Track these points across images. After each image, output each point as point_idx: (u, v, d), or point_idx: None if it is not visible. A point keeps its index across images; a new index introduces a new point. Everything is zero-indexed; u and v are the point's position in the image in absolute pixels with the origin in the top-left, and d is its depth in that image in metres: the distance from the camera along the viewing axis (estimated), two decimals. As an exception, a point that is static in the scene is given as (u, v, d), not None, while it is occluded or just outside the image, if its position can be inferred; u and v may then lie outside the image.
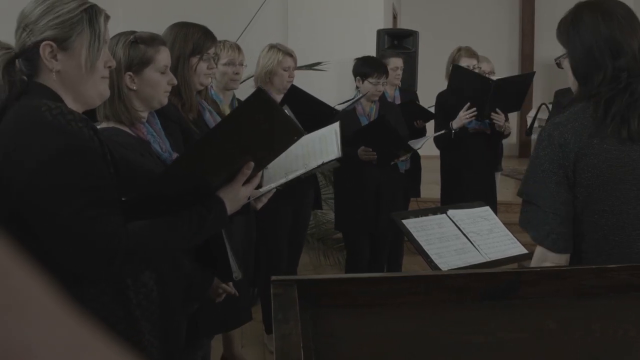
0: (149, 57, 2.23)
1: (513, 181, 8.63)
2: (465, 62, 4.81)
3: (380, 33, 6.94)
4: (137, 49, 2.22)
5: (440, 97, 4.88)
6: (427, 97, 5.33)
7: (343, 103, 4.41)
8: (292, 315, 1.46)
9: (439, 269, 2.58)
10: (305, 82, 4.67)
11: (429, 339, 1.57)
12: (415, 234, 2.73)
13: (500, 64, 10.28)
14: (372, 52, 6.38)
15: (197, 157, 1.65)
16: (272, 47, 4.08)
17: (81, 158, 1.56)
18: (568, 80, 2.21)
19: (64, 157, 1.53)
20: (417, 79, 7.05)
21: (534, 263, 2.10)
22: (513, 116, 9.61)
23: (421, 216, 2.83)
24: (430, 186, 6.18)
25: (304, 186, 4.14)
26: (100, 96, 1.77)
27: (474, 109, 4.53)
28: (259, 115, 1.64)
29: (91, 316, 1.52)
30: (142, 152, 2.14)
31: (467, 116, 4.55)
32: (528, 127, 5.51)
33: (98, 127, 2.23)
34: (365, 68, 4.37)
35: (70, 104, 1.68)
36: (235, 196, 1.78)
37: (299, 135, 1.76)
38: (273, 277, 1.67)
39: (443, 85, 4.96)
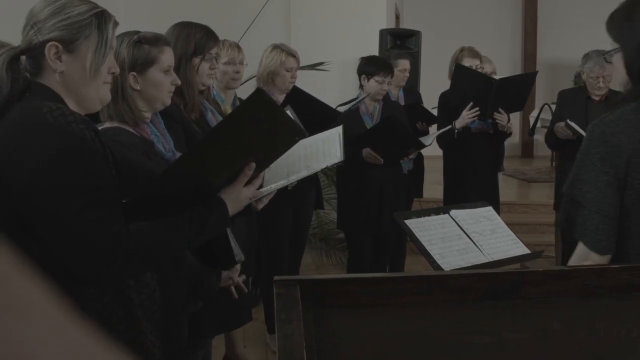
0: (153, 58, 2.22)
1: (516, 181, 8.63)
2: (467, 62, 4.80)
3: (382, 33, 6.94)
4: (141, 49, 2.21)
5: (443, 97, 4.88)
6: (429, 97, 5.33)
7: (345, 104, 4.41)
8: (295, 315, 1.46)
9: (441, 269, 2.58)
10: (307, 82, 4.67)
11: (432, 339, 1.57)
12: (417, 234, 2.73)
13: (503, 64, 10.28)
14: (374, 52, 6.37)
15: (197, 157, 1.64)
16: (275, 47, 4.08)
17: (82, 159, 1.56)
18: (616, 77, 2.15)
19: (64, 158, 1.53)
20: (420, 79, 7.05)
21: (574, 261, 2.08)
22: (515, 116, 9.64)
23: (424, 216, 2.83)
24: (433, 186, 6.17)
25: (305, 186, 4.14)
26: (101, 101, 1.77)
27: (477, 108, 4.52)
28: (259, 115, 1.63)
29: (92, 316, 1.52)
30: (147, 151, 2.14)
31: (470, 116, 4.54)
32: (530, 127, 5.52)
33: (102, 126, 2.23)
34: (371, 67, 4.37)
35: (72, 105, 1.68)
36: (237, 197, 1.77)
37: (301, 135, 1.75)
38: (275, 277, 1.67)
39: (445, 85, 4.96)
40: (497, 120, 4.64)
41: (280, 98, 4.02)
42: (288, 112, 2.37)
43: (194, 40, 2.83)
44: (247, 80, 3.82)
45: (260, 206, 2.50)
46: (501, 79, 4.54)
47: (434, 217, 2.84)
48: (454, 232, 2.80)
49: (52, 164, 1.52)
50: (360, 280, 1.71)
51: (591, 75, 4.43)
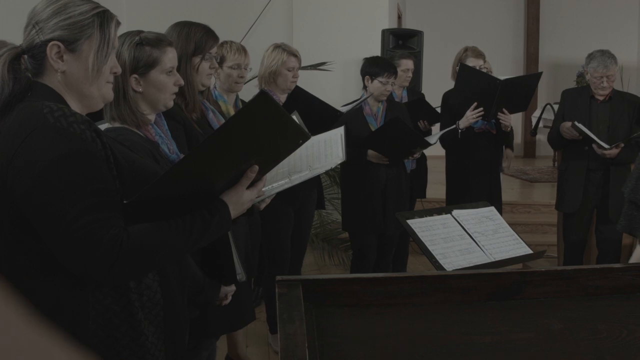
0: (155, 59, 2.20)
1: (518, 181, 8.62)
2: (471, 63, 4.80)
3: (385, 33, 6.94)
4: (143, 50, 2.19)
5: (446, 96, 4.88)
6: (431, 97, 5.33)
7: (348, 104, 4.40)
8: (297, 315, 1.47)
9: (443, 269, 2.58)
10: (309, 82, 4.68)
11: (434, 338, 1.57)
12: (420, 234, 2.73)
13: (505, 64, 10.29)
14: (376, 52, 6.37)
15: (199, 158, 1.63)
16: (276, 47, 4.08)
17: (82, 162, 1.55)
18: None
19: (65, 161, 1.52)
20: (422, 79, 7.06)
21: (634, 260, 2.09)
22: (518, 116, 9.65)
23: (426, 216, 2.83)
24: (436, 186, 6.18)
25: (307, 186, 4.13)
26: (104, 99, 1.76)
27: (481, 108, 4.52)
28: (262, 117, 1.61)
29: (93, 318, 1.52)
30: (152, 151, 2.13)
31: (474, 116, 4.54)
32: (533, 127, 5.50)
33: (107, 126, 2.23)
34: (375, 67, 4.36)
35: (73, 104, 1.68)
36: (239, 200, 1.76)
37: (305, 138, 1.73)
38: (278, 277, 1.68)
39: (448, 85, 4.96)
40: (500, 121, 4.64)
41: (282, 98, 4.02)
42: (294, 116, 2.35)
43: (194, 39, 2.81)
44: (249, 81, 3.81)
45: (263, 206, 2.50)
46: (505, 80, 4.53)
47: (436, 217, 2.84)
48: (456, 232, 2.80)
49: (52, 167, 1.52)
50: (362, 280, 1.71)
51: (595, 75, 4.43)
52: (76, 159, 1.54)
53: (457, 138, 4.62)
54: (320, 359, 1.42)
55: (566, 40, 10.64)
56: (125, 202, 1.61)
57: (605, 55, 4.41)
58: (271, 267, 4.19)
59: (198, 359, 2.78)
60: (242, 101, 3.80)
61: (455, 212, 2.90)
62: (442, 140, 4.71)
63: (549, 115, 5.86)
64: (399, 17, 9.06)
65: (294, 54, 4.05)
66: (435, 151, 5.25)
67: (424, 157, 5.03)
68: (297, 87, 4.04)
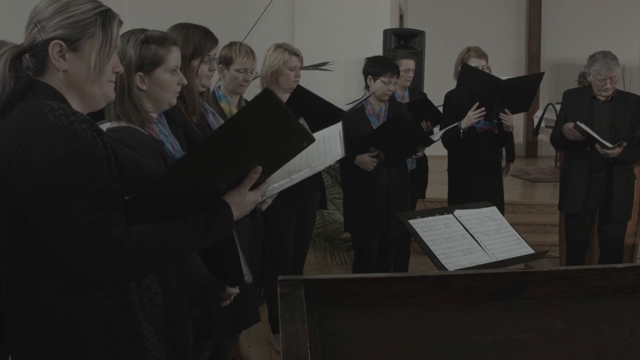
0: (160, 58, 2.21)
1: (520, 181, 8.61)
2: (474, 63, 4.79)
3: (386, 33, 6.93)
4: (148, 49, 2.19)
5: (449, 96, 4.87)
6: (433, 97, 5.32)
7: (350, 103, 4.40)
8: (299, 315, 1.46)
9: (445, 269, 2.58)
10: (311, 82, 4.67)
11: (436, 339, 1.57)
12: (421, 234, 2.73)
13: (507, 64, 10.28)
14: (378, 52, 6.37)
15: (201, 156, 1.62)
16: (278, 46, 4.08)
17: (83, 161, 1.54)
18: None
19: (66, 160, 1.52)
20: (424, 79, 7.05)
21: None
22: (519, 116, 9.65)
23: (428, 216, 2.83)
24: (438, 186, 6.17)
25: (309, 186, 4.13)
26: (106, 98, 1.75)
27: (483, 108, 4.52)
28: (265, 116, 1.59)
29: (93, 319, 1.51)
30: (160, 149, 2.12)
31: (476, 116, 4.53)
32: (535, 127, 5.50)
33: (110, 126, 2.23)
34: (377, 67, 4.35)
35: (75, 104, 1.67)
36: (242, 201, 1.74)
37: (310, 141, 1.71)
38: (280, 277, 1.67)
39: (450, 85, 4.95)
40: (502, 121, 4.64)
41: (284, 97, 4.01)
42: (300, 121, 2.31)
43: (192, 42, 2.80)
44: (252, 80, 3.81)
45: (264, 207, 2.49)
46: (507, 80, 4.52)
47: (438, 217, 2.84)
48: (458, 232, 2.80)
49: (53, 167, 1.51)
50: (364, 280, 1.71)
51: (598, 77, 4.42)
52: (76, 158, 1.53)
53: (460, 138, 4.61)
54: (322, 359, 1.42)
55: (568, 40, 10.63)
56: (126, 198, 1.61)
57: (608, 57, 4.40)
58: (273, 267, 4.19)
59: (199, 359, 2.79)
60: (246, 101, 3.80)
61: (457, 212, 2.90)
62: (445, 140, 4.70)
63: (551, 115, 5.85)
64: (401, 17, 9.06)
65: (295, 54, 4.05)
66: (437, 151, 5.25)
67: (424, 157, 5.02)
68: (299, 86, 4.04)
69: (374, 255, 4.50)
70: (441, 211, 2.92)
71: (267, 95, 1.57)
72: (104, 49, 1.68)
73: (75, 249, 1.52)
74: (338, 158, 2.76)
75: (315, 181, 4.22)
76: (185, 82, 2.30)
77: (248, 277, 2.23)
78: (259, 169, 1.70)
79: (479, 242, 2.78)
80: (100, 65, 1.68)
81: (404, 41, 7.04)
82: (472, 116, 4.54)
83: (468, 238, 2.79)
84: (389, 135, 4.18)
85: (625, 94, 4.67)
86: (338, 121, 3.71)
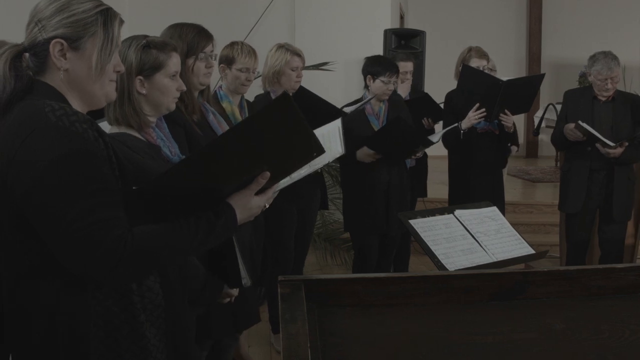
0: (160, 63, 2.23)
1: (520, 181, 8.61)
2: (475, 63, 4.78)
3: (387, 33, 6.93)
4: (149, 53, 2.22)
5: (449, 97, 4.87)
6: (434, 98, 5.32)
7: (351, 104, 4.40)
8: (300, 315, 1.47)
9: (445, 269, 2.58)
10: (311, 82, 4.67)
11: (436, 339, 1.57)
12: (422, 234, 2.73)
13: (508, 64, 10.27)
14: (379, 52, 6.37)
15: (212, 154, 1.60)
16: (279, 46, 4.08)
17: (83, 161, 1.54)
18: None
19: (67, 160, 1.52)
20: (424, 79, 7.05)
21: None
22: (520, 117, 9.64)
23: (428, 216, 2.83)
24: (438, 186, 6.17)
25: (311, 186, 4.13)
26: (107, 97, 1.75)
27: (483, 109, 4.52)
28: (280, 120, 1.57)
29: (94, 320, 1.51)
30: (153, 156, 2.13)
31: (477, 117, 4.53)
32: (535, 127, 5.50)
33: (108, 132, 2.23)
34: (376, 67, 4.35)
35: (75, 103, 1.67)
36: (246, 204, 1.73)
37: (319, 152, 1.70)
38: (280, 277, 1.67)
39: (450, 85, 4.95)
40: (502, 122, 4.63)
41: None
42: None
43: (186, 40, 2.82)
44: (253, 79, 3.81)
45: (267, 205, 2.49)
46: (508, 81, 4.52)
47: (438, 217, 2.84)
48: (459, 232, 2.80)
49: (53, 167, 1.51)
50: (364, 280, 1.71)
51: (599, 78, 4.42)
52: (77, 158, 1.53)
53: (460, 139, 4.61)
54: (322, 359, 1.42)
55: (568, 40, 10.63)
56: (133, 188, 1.60)
57: (609, 57, 4.40)
58: (274, 267, 4.19)
59: (198, 358, 2.79)
60: (247, 101, 3.80)
61: (457, 212, 2.90)
62: (445, 140, 4.70)
63: (552, 115, 5.85)
64: (401, 17, 9.06)
65: (297, 54, 4.05)
66: (437, 151, 5.24)
67: (424, 156, 5.01)
68: (301, 87, 4.04)
69: (374, 255, 4.50)
70: (442, 211, 2.92)
71: (284, 98, 1.55)
72: (105, 48, 1.68)
73: (76, 249, 1.51)
74: (338, 156, 2.75)
75: (316, 181, 4.22)
76: (184, 88, 2.33)
77: (246, 281, 2.23)
78: (267, 174, 1.69)
79: (480, 242, 2.78)
80: (101, 64, 1.67)
81: (405, 41, 7.04)
82: (473, 117, 4.54)
83: (468, 238, 2.79)
84: (389, 138, 4.19)
85: (626, 94, 4.67)
86: (338, 121, 3.71)
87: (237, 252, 2.16)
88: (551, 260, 5.61)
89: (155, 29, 2.99)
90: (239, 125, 1.60)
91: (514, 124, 4.78)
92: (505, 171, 5.35)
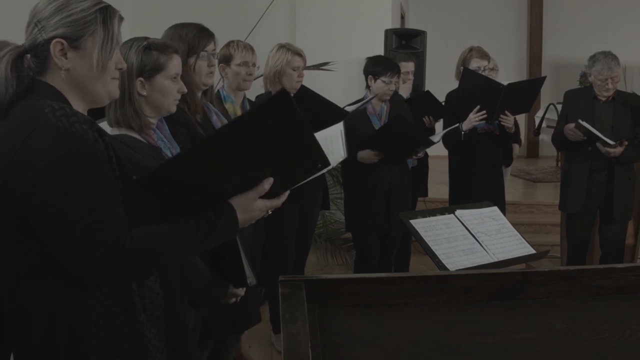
0: (161, 64, 2.24)
1: (521, 181, 8.61)
2: (476, 63, 4.78)
3: (388, 33, 6.93)
4: (150, 55, 2.22)
5: (450, 96, 4.87)
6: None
7: (353, 104, 4.40)
8: (300, 315, 1.47)
9: (446, 269, 2.58)
10: (312, 82, 4.67)
11: (437, 339, 1.57)
12: (422, 234, 2.73)
13: (508, 64, 10.26)
14: (379, 52, 6.37)
15: (212, 145, 1.58)
16: (281, 46, 4.08)
17: (83, 161, 1.54)
18: None
19: (65, 160, 1.52)
20: (425, 79, 7.05)
21: None
22: (521, 117, 9.62)
23: (429, 216, 2.83)
24: (439, 186, 6.17)
25: (312, 186, 4.13)
26: (109, 95, 1.75)
27: (484, 111, 4.52)
28: (278, 118, 1.55)
29: (94, 320, 1.50)
30: (154, 157, 2.13)
31: (477, 119, 4.54)
32: (536, 127, 5.50)
33: (106, 124, 2.23)
34: (377, 67, 4.35)
35: (76, 103, 1.67)
36: (248, 206, 1.72)
37: (324, 164, 1.68)
38: (281, 277, 1.68)
39: (451, 85, 4.95)
40: (502, 123, 4.63)
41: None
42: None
43: (186, 40, 2.82)
44: (254, 79, 3.81)
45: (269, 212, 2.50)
46: (509, 85, 4.52)
47: (439, 217, 2.84)
48: (459, 232, 2.80)
49: (53, 167, 1.51)
50: (365, 280, 1.71)
51: (599, 78, 4.42)
52: (77, 158, 1.53)
53: (461, 140, 4.61)
54: (323, 359, 1.43)
55: (569, 40, 10.62)
56: (134, 177, 1.60)
57: (609, 57, 4.40)
58: (275, 267, 4.19)
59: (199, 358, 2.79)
60: (250, 101, 3.81)
61: (458, 212, 2.90)
62: (445, 140, 4.70)
63: (552, 115, 5.85)
64: (402, 17, 9.06)
65: (298, 54, 4.06)
66: (438, 151, 5.24)
67: (425, 155, 5.01)
68: (302, 86, 4.05)
69: (375, 255, 4.50)
70: (442, 211, 2.92)
71: (282, 94, 1.54)
72: (106, 46, 1.68)
73: (76, 249, 1.52)
74: (340, 160, 2.75)
75: (318, 181, 4.22)
76: (185, 90, 2.33)
77: (251, 280, 2.23)
78: (271, 180, 1.68)
79: (480, 242, 2.78)
80: (102, 62, 1.67)
81: (405, 41, 7.04)
82: (473, 119, 4.55)
83: (469, 238, 2.79)
84: (390, 137, 4.19)
85: (626, 94, 4.67)
86: (340, 121, 3.71)
87: (241, 250, 2.16)
88: (552, 260, 5.61)
89: (155, 29, 2.99)
90: (239, 118, 1.59)
91: (516, 121, 4.78)
92: (509, 171, 5.35)
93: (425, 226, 2.78)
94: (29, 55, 1.66)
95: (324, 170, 2.22)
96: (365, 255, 4.49)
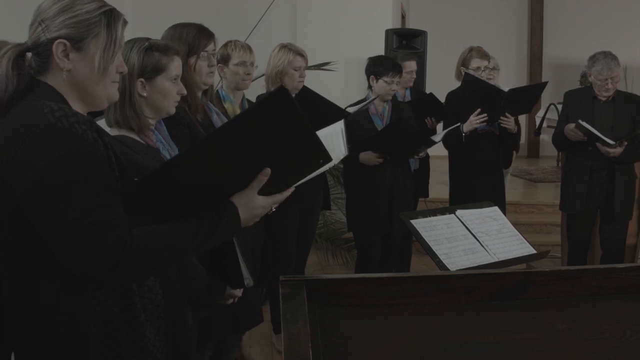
0: (162, 65, 2.24)
1: (522, 181, 8.61)
2: (476, 63, 4.78)
3: (388, 33, 6.93)
4: (151, 56, 2.23)
5: (450, 96, 4.87)
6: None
7: (354, 104, 4.41)
8: (301, 315, 1.47)
9: (447, 269, 2.58)
10: (313, 82, 4.67)
11: (438, 339, 1.57)
12: (423, 234, 2.73)
13: (509, 64, 10.26)
14: (380, 52, 6.37)
15: (212, 144, 1.58)
16: (282, 46, 4.08)
17: (83, 162, 1.54)
18: None
19: (65, 161, 1.52)
20: (426, 79, 7.05)
21: None
22: (521, 117, 9.63)
23: (430, 216, 2.83)
24: (439, 186, 6.17)
25: (313, 186, 4.13)
26: (109, 99, 1.75)
27: (485, 114, 4.52)
28: (278, 115, 1.55)
29: (94, 319, 1.50)
30: (153, 158, 2.13)
31: (478, 121, 4.54)
32: (537, 127, 5.50)
33: (104, 124, 2.23)
34: (379, 67, 4.35)
35: (75, 105, 1.66)
36: (249, 203, 1.71)
37: (326, 160, 1.68)
38: (282, 277, 1.68)
39: (451, 85, 4.95)
40: (502, 125, 4.63)
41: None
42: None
43: (187, 40, 2.83)
44: (254, 80, 3.81)
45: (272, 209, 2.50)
46: (510, 91, 4.52)
47: (439, 217, 2.84)
48: (460, 232, 2.80)
49: (53, 167, 1.51)
50: (366, 281, 1.71)
51: (599, 78, 4.42)
52: (76, 159, 1.53)
53: (462, 141, 4.62)
54: (323, 359, 1.42)
55: (570, 40, 10.62)
56: (135, 179, 1.60)
57: (609, 58, 4.40)
58: (276, 267, 4.19)
59: (201, 359, 2.79)
60: (249, 101, 3.81)
61: (458, 212, 2.90)
62: (445, 141, 4.70)
63: (553, 115, 5.85)
64: (403, 17, 9.06)
65: (300, 54, 4.06)
66: (438, 151, 5.24)
67: (426, 157, 5.02)
68: (304, 87, 4.05)
69: (377, 255, 4.50)
70: (443, 211, 2.92)
71: (281, 91, 1.54)
72: (108, 49, 1.67)
73: (76, 249, 1.52)
74: (342, 157, 2.75)
75: (319, 181, 4.22)
76: (185, 92, 2.33)
77: (249, 281, 2.23)
78: (268, 170, 1.66)
79: (481, 242, 2.78)
80: (104, 65, 1.67)
81: (406, 41, 7.03)
82: (474, 121, 4.55)
83: (470, 238, 2.79)
84: (391, 138, 4.19)
85: (626, 94, 4.67)
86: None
87: (238, 252, 2.16)
88: (552, 260, 5.61)
89: (156, 29, 2.99)
90: (239, 116, 1.59)
91: (519, 126, 4.78)
92: (508, 172, 5.34)
93: (425, 226, 2.78)
94: (30, 54, 1.66)
95: (327, 167, 2.21)
96: (367, 255, 4.49)
